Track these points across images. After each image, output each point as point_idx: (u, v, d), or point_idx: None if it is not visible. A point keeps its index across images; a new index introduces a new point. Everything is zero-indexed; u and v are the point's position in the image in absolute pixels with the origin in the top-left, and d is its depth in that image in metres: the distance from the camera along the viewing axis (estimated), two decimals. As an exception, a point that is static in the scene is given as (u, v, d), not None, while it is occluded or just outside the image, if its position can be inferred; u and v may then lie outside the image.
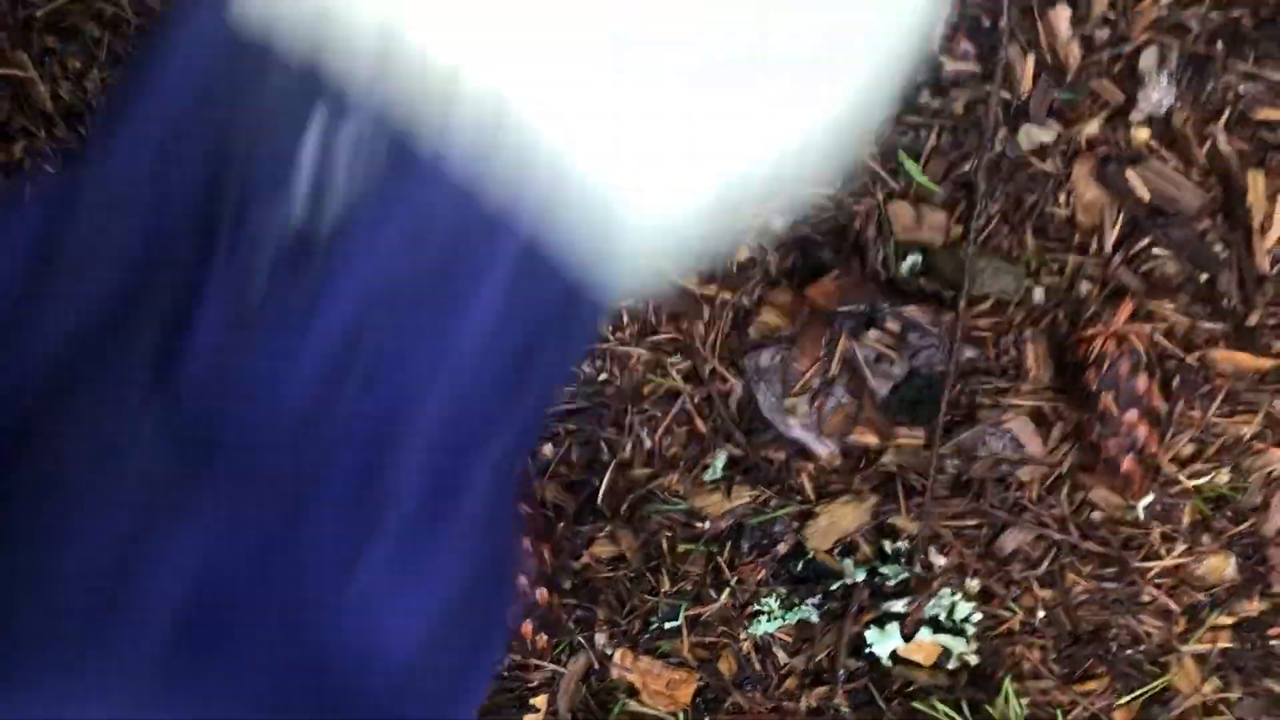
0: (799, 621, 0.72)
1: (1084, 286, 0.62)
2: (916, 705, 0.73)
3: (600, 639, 0.72)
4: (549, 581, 0.69)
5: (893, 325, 0.63)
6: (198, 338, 0.24)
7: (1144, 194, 0.59)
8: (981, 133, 0.58)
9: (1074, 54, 0.56)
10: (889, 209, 0.60)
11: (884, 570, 0.70)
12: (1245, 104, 0.57)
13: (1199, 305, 0.62)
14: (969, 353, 0.63)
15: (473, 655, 0.30)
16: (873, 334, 0.63)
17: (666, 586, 0.71)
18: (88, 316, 0.25)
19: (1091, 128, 0.58)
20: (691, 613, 0.72)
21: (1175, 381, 0.64)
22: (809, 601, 0.72)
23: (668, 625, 0.72)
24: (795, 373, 0.65)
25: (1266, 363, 0.63)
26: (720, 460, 0.68)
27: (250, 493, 0.25)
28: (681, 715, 0.73)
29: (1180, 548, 0.69)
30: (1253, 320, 0.62)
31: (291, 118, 0.23)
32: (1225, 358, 0.63)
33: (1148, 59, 0.56)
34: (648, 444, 0.67)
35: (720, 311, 0.64)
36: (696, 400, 0.67)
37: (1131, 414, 0.63)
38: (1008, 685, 0.72)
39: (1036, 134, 0.58)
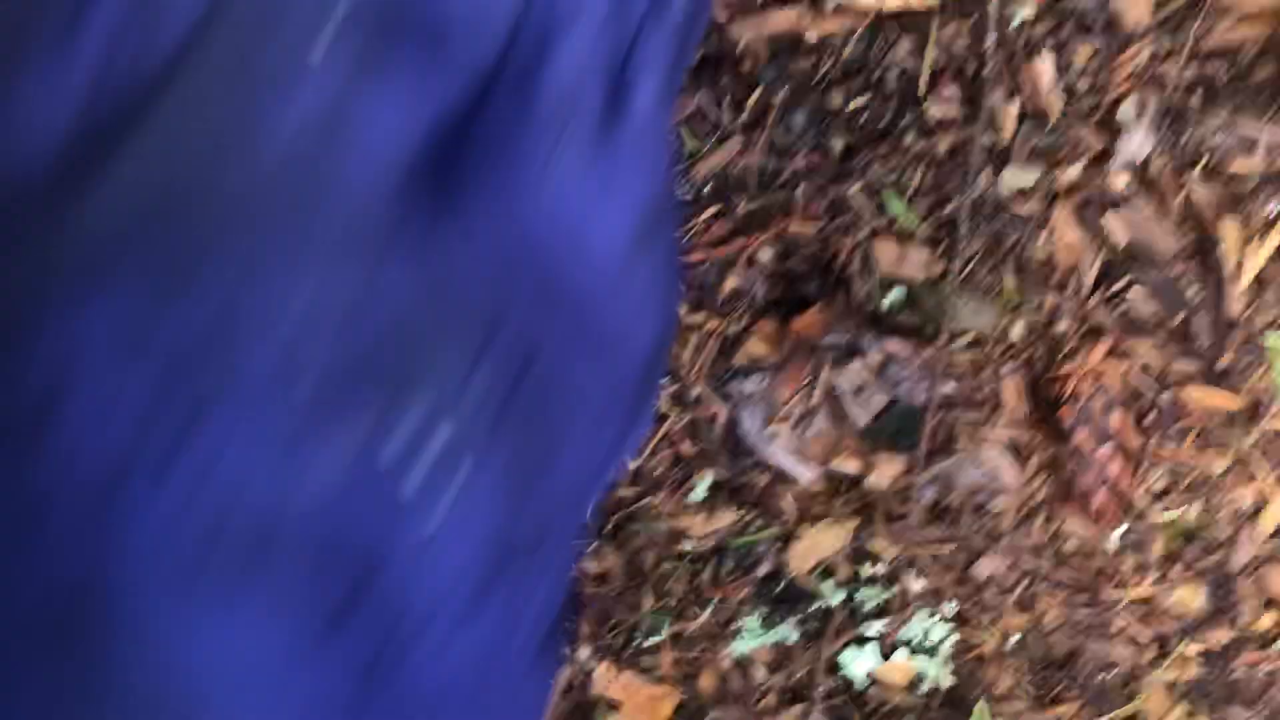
0: (778, 641, 0.74)
1: (1061, 325, 0.64)
2: (890, 725, 0.74)
3: (583, 653, 0.74)
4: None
5: (875, 357, 0.64)
6: None
7: (1121, 238, 0.61)
8: (965, 174, 0.59)
9: (1056, 102, 0.58)
10: (873, 245, 0.62)
11: (862, 593, 0.72)
12: (1220, 155, 0.59)
13: (1173, 345, 0.64)
14: (948, 386, 0.65)
15: (660, 282, 0.31)
16: (855, 365, 0.65)
17: (650, 604, 0.73)
18: None
19: (1072, 173, 0.60)
20: (674, 629, 0.74)
21: (1149, 418, 0.66)
22: (789, 621, 0.73)
23: (650, 641, 0.73)
24: (779, 400, 0.67)
25: (1237, 403, 0.65)
26: (704, 483, 0.70)
27: (438, 76, 0.27)
28: (661, 728, 0.75)
29: (1151, 578, 0.71)
30: (1224, 362, 0.64)
31: None
32: (1198, 397, 0.65)
33: (1127, 109, 0.58)
34: (634, 465, 0.69)
35: (707, 339, 0.66)
36: (682, 424, 0.68)
37: (1105, 450, 0.65)
38: (981, 707, 0.74)
39: (1018, 177, 0.60)
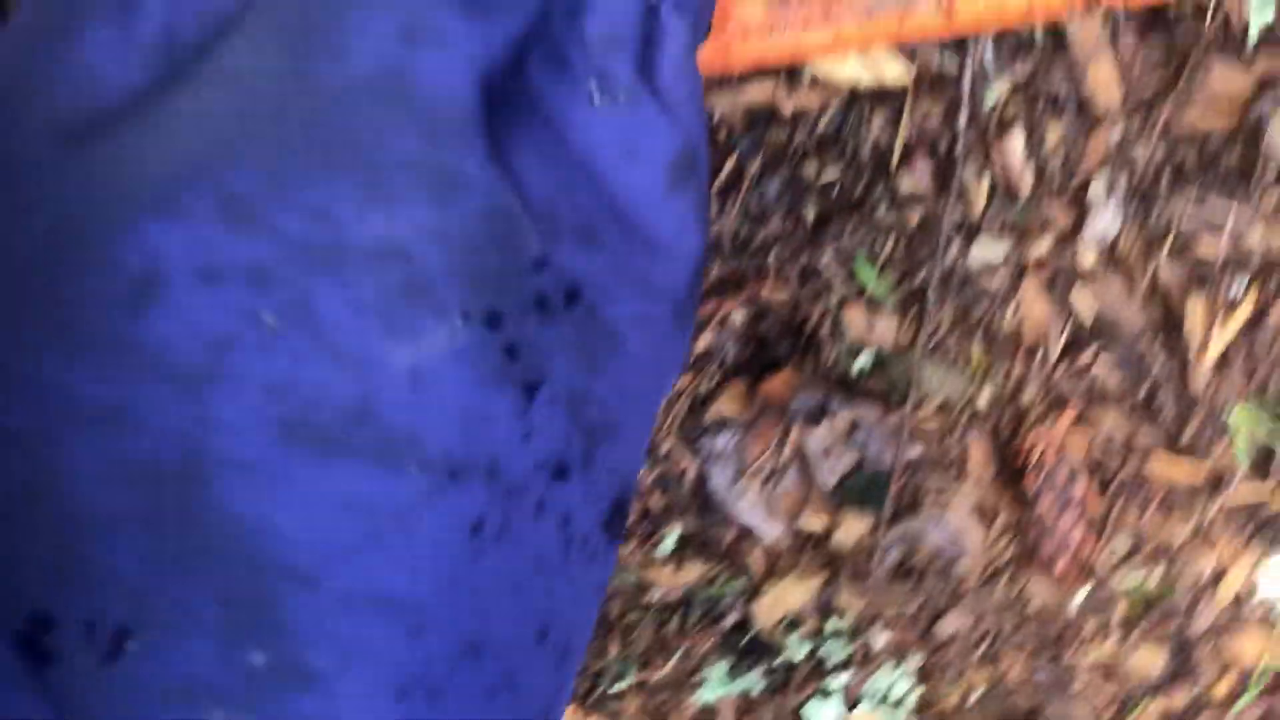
0: (744, 691, 0.75)
1: (1027, 394, 0.64)
2: (851, 777, 0.75)
3: (549, 699, 0.74)
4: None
5: (843, 421, 0.65)
6: None
7: (1088, 312, 0.62)
8: (935, 246, 0.60)
9: (1026, 179, 0.59)
10: (843, 312, 0.63)
11: (827, 646, 0.73)
12: (1187, 236, 0.59)
13: (1137, 417, 0.65)
14: (915, 450, 0.66)
15: (691, 224, 0.33)
16: (823, 427, 0.65)
17: (616, 650, 0.74)
18: None
19: (1041, 248, 0.60)
20: (639, 677, 0.74)
21: (1113, 486, 0.67)
22: (754, 672, 0.74)
23: (615, 688, 0.74)
24: (748, 457, 0.67)
25: (1200, 474, 0.66)
26: (673, 535, 0.70)
27: (490, 24, 0.28)
28: (625, 773, 0.76)
29: (1113, 640, 0.71)
30: (1187, 435, 0.64)
31: None
32: (1161, 467, 0.66)
33: (1097, 188, 0.59)
34: (603, 517, 0.70)
35: (678, 395, 0.67)
36: (652, 478, 0.69)
37: (1067, 518, 0.65)
38: (942, 759, 0.75)
39: (988, 250, 0.61)
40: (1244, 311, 0.61)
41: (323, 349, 0.26)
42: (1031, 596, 0.71)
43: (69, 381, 0.26)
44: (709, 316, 0.64)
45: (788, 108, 0.58)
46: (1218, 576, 0.69)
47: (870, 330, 0.63)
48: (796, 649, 0.73)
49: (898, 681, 0.74)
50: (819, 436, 0.66)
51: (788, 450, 0.67)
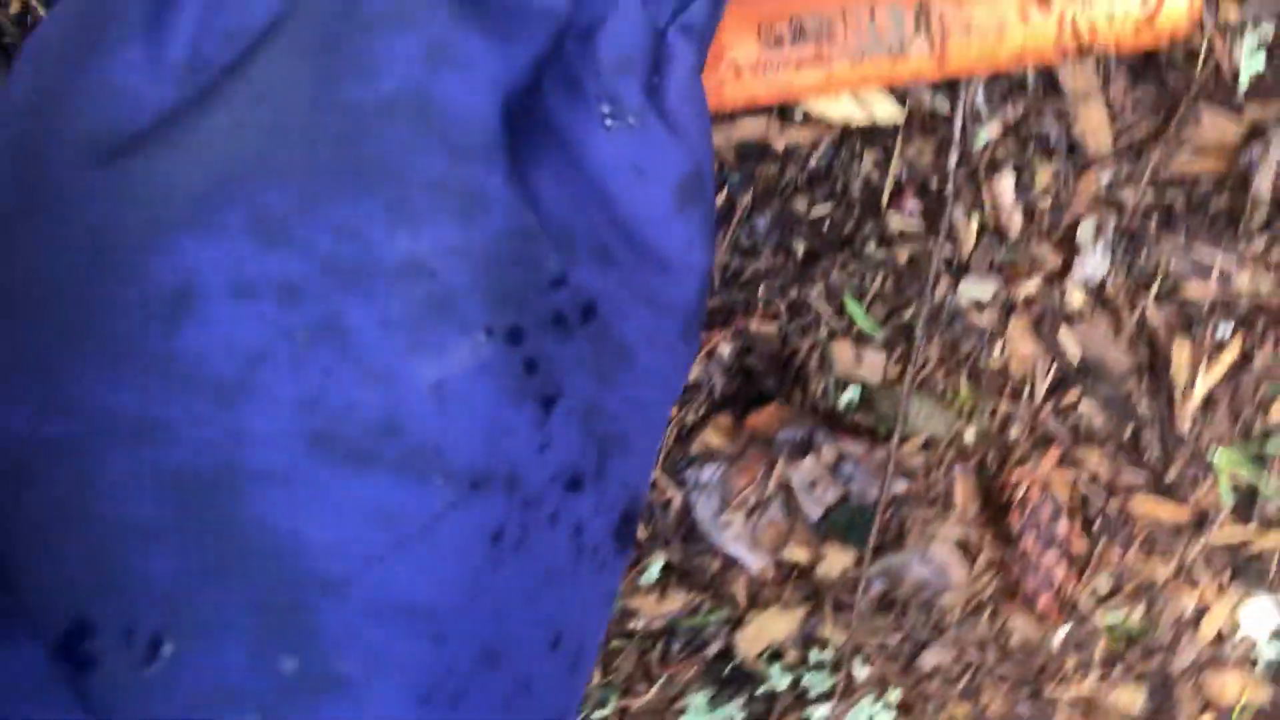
0: None
1: (1013, 432, 0.64)
2: (831, 808, 0.75)
3: (530, 725, 0.74)
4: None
5: (828, 454, 0.65)
6: None
7: (1075, 352, 0.62)
8: (923, 284, 0.60)
9: (1016, 220, 0.59)
10: (831, 346, 0.63)
11: (809, 677, 0.73)
12: (1174, 279, 0.59)
13: (1122, 457, 0.65)
14: (900, 485, 0.66)
15: (698, 242, 0.34)
16: (809, 461, 0.65)
17: (597, 678, 0.73)
18: None
19: (1029, 288, 0.60)
20: (621, 704, 0.74)
21: (1096, 525, 0.67)
22: (735, 701, 0.74)
23: (597, 714, 0.74)
24: (733, 489, 0.67)
25: (1183, 514, 0.66)
26: (657, 564, 0.70)
27: (511, 46, 0.29)
28: (605, 800, 0.75)
29: (1093, 677, 0.71)
30: (1171, 475, 0.64)
31: None
32: (1145, 507, 0.66)
33: (1085, 230, 0.59)
34: (587, 545, 0.70)
35: (666, 426, 0.66)
36: (637, 507, 0.69)
37: (1050, 556, 0.65)
38: (922, 791, 0.75)
39: (976, 289, 0.61)
40: (1230, 355, 0.61)
41: (352, 364, 0.27)
42: (1013, 632, 0.71)
43: (106, 394, 0.26)
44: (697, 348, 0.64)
45: (780, 143, 0.58)
46: (1199, 615, 0.69)
47: (858, 365, 0.63)
48: (779, 679, 0.73)
49: (879, 713, 0.73)
50: (805, 469, 0.66)
51: (773, 482, 0.66)
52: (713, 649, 0.73)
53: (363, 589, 0.27)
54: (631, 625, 0.72)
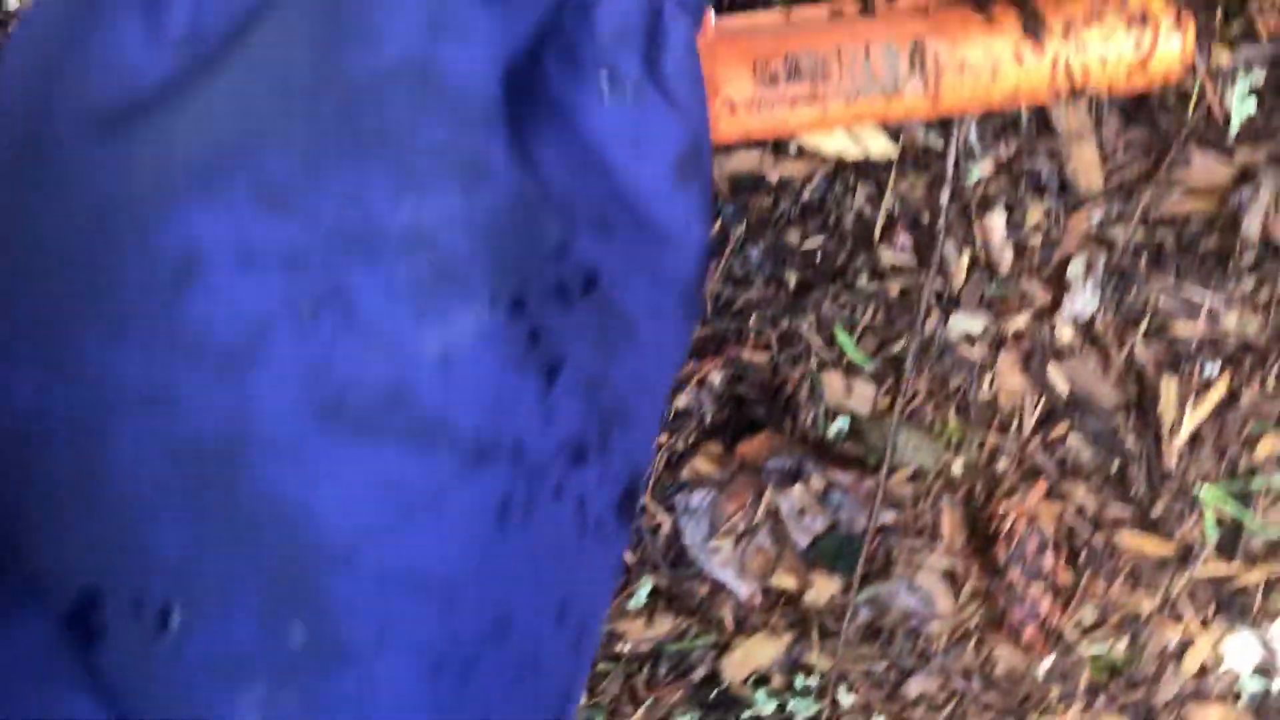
0: (709, 743, 0.75)
1: (1001, 464, 0.65)
2: (814, 833, 0.75)
3: (515, 746, 0.74)
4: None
5: (817, 483, 0.65)
6: None
7: (1064, 387, 0.62)
8: (914, 317, 0.60)
9: (1006, 256, 0.59)
10: (822, 377, 0.63)
11: (794, 703, 0.73)
12: (1163, 317, 0.60)
13: (1108, 491, 0.65)
14: (888, 515, 0.66)
15: (696, 215, 0.34)
16: (797, 489, 0.66)
17: (583, 700, 0.74)
18: None
19: (1018, 323, 0.61)
20: (606, 726, 0.74)
21: (1082, 557, 0.67)
22: (720, 725, 0.74)
23: (582, 737, 0.74)
24: (722, 516, 0.67)
25: (1168, 549, 0.66)
26: (645, 589, 0.71)
27: (510, 19, 0.29)
28: (589, 821, 0.76)
29: (1077, 708, 0.72)
30: (1158, 510, 0.65)
31: None
32: (1130, 541, 0.66)
33: (1076, 267, 0.59)
34: (576, 569, 0.70)
35: (655, 451, 0.67)
36: (626, 531, 0.69)
37: (1036, 587, 0.66)
38: (905, 817, 0.75)
39: (966, 323, 0.61)
40: (1217, 393, 0.62)
41: (358, 332, 0.26)
42: (998, 661, 0.71)
43: (111, 364, 0.26)
44: (688, 376, 0.64)
45: (773, 176, 0.58)
46: (1183, 648, 0.70)
47: (848, 395, 0.64)
48: (764, 705, 0.73)
49: (863, 740, 0.74)
50: (793, 498, 0.66)
51: (762, 510, 0.67)
52: (699, 673, 0.73)
53: (372, 559, 0.27)
54: (618, 648, 0.72)
